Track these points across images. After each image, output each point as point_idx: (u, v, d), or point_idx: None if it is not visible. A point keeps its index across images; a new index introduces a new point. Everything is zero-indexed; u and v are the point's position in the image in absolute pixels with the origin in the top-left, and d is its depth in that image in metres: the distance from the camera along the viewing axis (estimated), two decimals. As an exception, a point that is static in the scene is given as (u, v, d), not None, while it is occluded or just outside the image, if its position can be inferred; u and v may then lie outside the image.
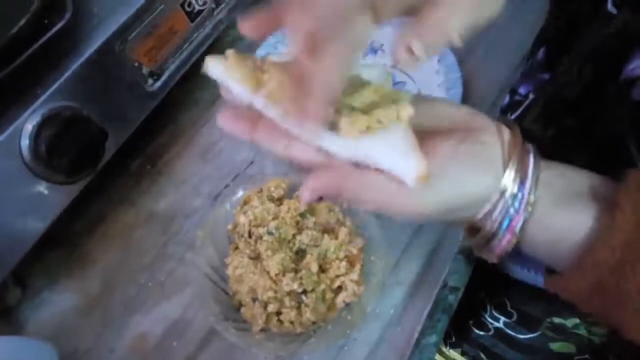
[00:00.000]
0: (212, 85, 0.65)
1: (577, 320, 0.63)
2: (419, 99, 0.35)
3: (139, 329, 0.50)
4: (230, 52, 0.31)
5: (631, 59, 0.43)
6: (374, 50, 0.67)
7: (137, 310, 0.51)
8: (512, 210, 0.32)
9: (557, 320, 0.65)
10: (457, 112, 0.34)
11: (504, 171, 0.32)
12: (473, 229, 0.35)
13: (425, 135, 0.31)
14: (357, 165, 0.31)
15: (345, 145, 0.30)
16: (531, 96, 0.56)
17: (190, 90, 0.65)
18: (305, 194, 0.31)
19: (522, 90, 0.57)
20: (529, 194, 0.32)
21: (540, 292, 0.63)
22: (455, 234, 0.55)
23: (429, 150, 0.30)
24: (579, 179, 0.34)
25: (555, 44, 0.52)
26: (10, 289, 0.51)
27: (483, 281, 0.68)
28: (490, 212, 0.32)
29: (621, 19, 0.43)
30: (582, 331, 0.64)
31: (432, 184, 0.30)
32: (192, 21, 0.58)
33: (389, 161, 0.30)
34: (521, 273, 0.64)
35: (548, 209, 0.32)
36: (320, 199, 0.32)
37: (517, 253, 0.62)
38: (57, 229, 0.49)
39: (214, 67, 0.32)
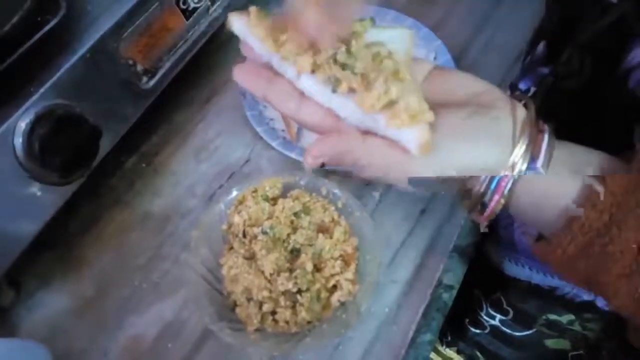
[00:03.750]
0: (207, 83, 0.65)
1: (572, 317, 0.64)
2: (436, 70, 0.35)
3: (134, 331, 0.50)
4: (253, 9, 0.32)
5: (631, 49, 0.43)
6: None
7: (132, 311, 0.51)
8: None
9: (552, 316, 0.65)
10: (472, 86, 0.35)
11: (514, 147, 0.32)
12: (465, 191, 0.35)
13: (435, 106, 0.31)
14: (366, 130, 0.32)
15: (354, 108, 0.31)
16: (532, 91, 0.56)
17: (185, 89, 0.65)
18: (309, 159, 0.32)
19: (522, 86, 0.57)
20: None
21: (535, 289, 0.63)
22: (450, 233, 0.55)
23: (436, 121, 0.30)
24: (587, 157, 0.34)
25: (555, 37, 0.52)
26: (3, 291, 0.50)
27: (478, 279, 0.68)
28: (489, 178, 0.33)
29: (620, 9, 0.43)
30: (577, 327, 0.65)
31: (436, 156, 0.31)
32: (187, 19, 0.58)
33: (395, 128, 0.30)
34: (515, 270, 0.64)
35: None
36: (323, 165, 0.33)
37: (511, 249, 0.63)
38: (51, 230, 0.48)
39: (237, 22, 0.32)
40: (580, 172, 0.33)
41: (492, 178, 0.33)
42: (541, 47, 0.55)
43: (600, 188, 0.30)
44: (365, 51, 0.31)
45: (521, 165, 0.32)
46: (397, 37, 0.33)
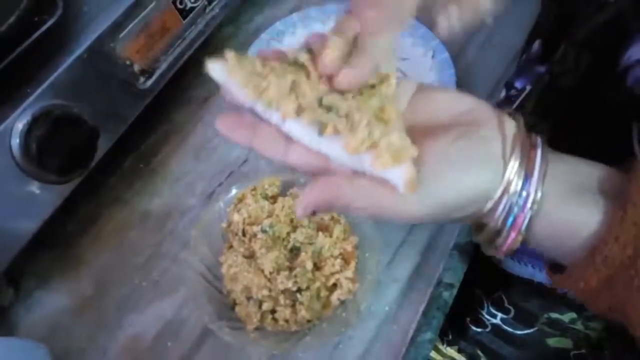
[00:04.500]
0: (204, 83, 0.65)
1: (574, 315, 0.63)
2: (420, 91, 0.34)
3: (133, 329, 0.50)
4: (230, 55, 0.31)
5: (628, 46, 0.42)
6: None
7: (131, 310, 0.51)
8: (516, 208, 0.31)
9: (554, 315, 0.65)
10: (458, 104, 0.33)
11: (506, 166, 0.31)
12: (479, 225, 0.34)
13: (419, 135, 0.30)
14: (355, 171, 0.31)
15: (341, 150, 0.30)
16: (528, 89, 0.55)
17: (183, 88, 0.65)
18: (299, 210, 0.32)
19: (518, 85, 0.57)
20: (536, 190, 0.31)
21: (537, 287, 0.63)
22: (450, 231, 0.55)
23: (422, 151, 0.30)
24: (587, 171, 0.33)
25: (551, 36, 0.52)
26: (2, 290, 0.50)
27: (480, 277, 0.68)
28: (494, 209, 0.31)
29: (617, 6, 0.43)
30: (579, 326, 0.64)
31: (426, 188, 0.30)
32: (184, 19, 0.58)
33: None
34: (518, 268, 0.64)
35: (555, 204, 0.31)
36: (314, 213, 0.32)
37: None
38: (49, 229, 0.48)
39: (215, 69, 0.31)
40: (581, 188, 0.32)
41: (507, 215, 0.31)
42: (537, 45, 0.55)
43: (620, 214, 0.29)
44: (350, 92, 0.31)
45: (516, 184, 0.31)
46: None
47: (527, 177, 0.31)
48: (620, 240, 0.29)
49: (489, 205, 0.31)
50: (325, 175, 0.32)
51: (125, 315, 0.50)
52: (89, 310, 0.51)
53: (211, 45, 0.64)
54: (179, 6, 0.57)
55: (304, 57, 0.31)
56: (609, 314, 0.33)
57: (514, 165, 0.31)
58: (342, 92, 0.31)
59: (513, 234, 0.32)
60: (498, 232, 0.32)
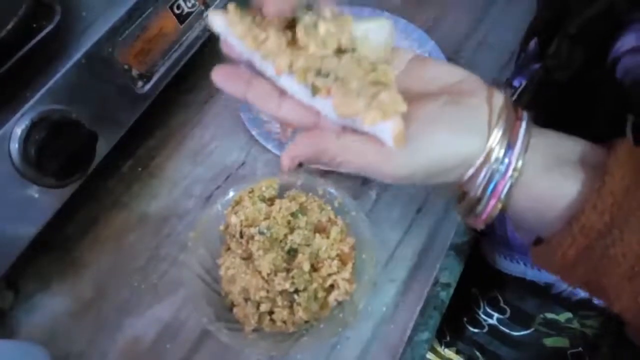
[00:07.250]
0: (202, 87, 0.66)
1: (570, 315, 0.64)
2: (415, 59, 0.35)
3: (132, 332, 0.50)
4: (231, 6, 0.32)
5: (618, 39, 0.43)
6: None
7: (130, 313, 0.51)
8: (497, 175, 0.32)
9: (550, 315, 0.65)
10: (450, 74, 0.34)
11: (489, 135, 0.32)
12: (460, 194, 0.35)
13: (411, 99, 0.31)
14: (344, 127, 0.32)
15: (333, 108, 0.31)
16: (523, 84, 0.56)
17: (180, 92, 0.66)
18: (285, 161, 0.32)
19: (516, 83, 0.58)
20: (517, 159, 0.31)
21: (532, 287, 0.63)
22: (446, 231, 0.55)
23: (411, 112, 0.30)
24: (569, 145, 0.33)
25: (547, 34, 0.53)
26: (2, 293, 0.50)
27: (475, 277, 0.68)
28: (475, 175, 0.32)
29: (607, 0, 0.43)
30: (575, 325, 0.65)
31: (412, 147, 0.30)
32: (181, 23, 0.58)
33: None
34: (510, 266, 0.64)
35: (536, 174, 0.32)
36: (300, 165, 0.33)
37: (505, 246, 0.63)
38: (48, 232, 0.49)
39: (217, 21, 0.32)
40: (562, 160, 0.32)
41: (488, 182, 0.32)
42: (533, 44, 0.56)
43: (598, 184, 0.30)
44: (347, 58, 0.31)
45: (498, 152, 0.31)
46: (376, 29, 0.33)
47: (509, 147, 0.32)
48: (598, 208, 0.29)
49: (470, 172, 0.32)
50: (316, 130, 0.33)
51: (125, 317, 0.51)
52: (89, 313, 0.51)
53: (208, 50, 0.65)
54: (176, 11, 0.57)
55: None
56: (586, 287, 0.34)
57: (497, 134, 0.32)
58: (339, 53, 0.31)
59: (493, 201, 0.33)
60: (478, 200, 0.33)
